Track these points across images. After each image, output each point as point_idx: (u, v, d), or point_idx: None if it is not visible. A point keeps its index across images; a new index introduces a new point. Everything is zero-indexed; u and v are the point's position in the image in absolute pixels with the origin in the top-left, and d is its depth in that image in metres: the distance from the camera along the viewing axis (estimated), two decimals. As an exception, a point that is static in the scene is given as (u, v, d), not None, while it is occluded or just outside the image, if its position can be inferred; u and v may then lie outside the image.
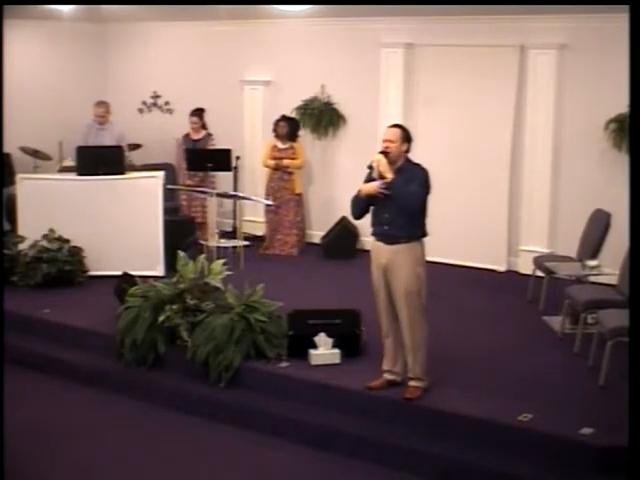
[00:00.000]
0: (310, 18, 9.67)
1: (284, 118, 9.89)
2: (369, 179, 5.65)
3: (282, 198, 9.77)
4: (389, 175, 5.48)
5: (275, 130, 9.88)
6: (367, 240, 9.04)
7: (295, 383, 6.14)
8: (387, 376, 5.88)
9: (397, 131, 5.65)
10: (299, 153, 9.88)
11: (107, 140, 9.49)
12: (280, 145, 9.86)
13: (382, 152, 5.56)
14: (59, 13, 10.00)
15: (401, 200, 5.45)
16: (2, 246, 8.29)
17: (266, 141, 10.06)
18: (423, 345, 5.71)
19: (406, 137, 5.64)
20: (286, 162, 9.80)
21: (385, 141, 5.61)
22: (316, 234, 10.15)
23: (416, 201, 5.49)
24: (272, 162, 9.82)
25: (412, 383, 5.75)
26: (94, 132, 9.58)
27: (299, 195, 9.97)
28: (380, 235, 5.68)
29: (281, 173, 9.84)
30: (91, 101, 9.88)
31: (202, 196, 9.62)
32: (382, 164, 5.50)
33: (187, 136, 10.15)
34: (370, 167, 5.61)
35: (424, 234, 5.68)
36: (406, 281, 5.57)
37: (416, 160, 5.70)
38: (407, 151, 5.65)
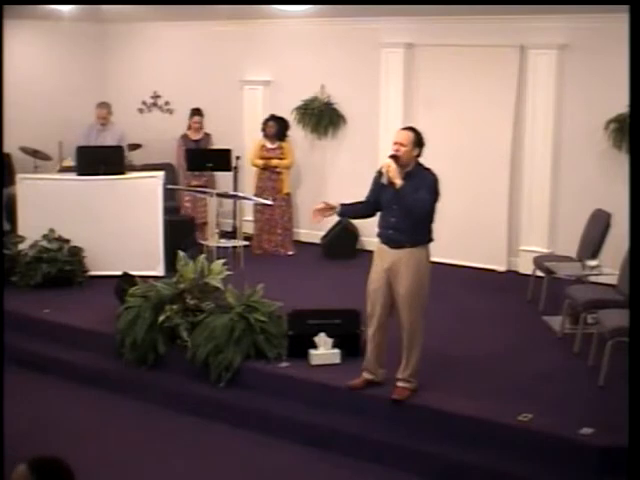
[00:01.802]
0: (310, 18, 9.66)
1: (273, 118, 9.88)
2: (377, 184, 5.58)
3: (270, 198, 9.67)
4: (398, 181, 5.34)
5: (264, 130, 9.86)
6: (367, 240, 9.07)
7: (295, 383, 6.14)
8: (366, 375, 5.83)
9: (409, 134, 5.49)
10: (287, 153, 9.86)
11: (109, 140, 9.51)
12: (268, 145, 9.84)
13: (392, 156, 5.42)
14: (59, 13, 9.99)
15: (409, 206, 5.37)
16: (2, 246, 8.29)
17: (255, 140, 10.04)
18: (419, 348, 5.67)
19: (418, 141, 5.48)
20: (274, 162, 9.78)
21: (396, 144, 5.45)
22: (316, 234, 10.14)
23: (424, 208, 5.41)
24: (260, 162, 9.81)
25: (401, 384, 5.70)
26: (95, 133, 9.61)
27: (287, 195, 9.95)
28: (385, 238, 5.62)
29: (269, 173, 9.82)
30: (91, 101, 9.90)
31: (202, 196, 9.62)
32: (391, 169, 5.35)
33: (185, 136, 10.14)
34: (380, 172, 5.51)
35: (430, 239, 5.61)
36: (409, 284, 5.51)
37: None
38: (418, 156, 5.52)
